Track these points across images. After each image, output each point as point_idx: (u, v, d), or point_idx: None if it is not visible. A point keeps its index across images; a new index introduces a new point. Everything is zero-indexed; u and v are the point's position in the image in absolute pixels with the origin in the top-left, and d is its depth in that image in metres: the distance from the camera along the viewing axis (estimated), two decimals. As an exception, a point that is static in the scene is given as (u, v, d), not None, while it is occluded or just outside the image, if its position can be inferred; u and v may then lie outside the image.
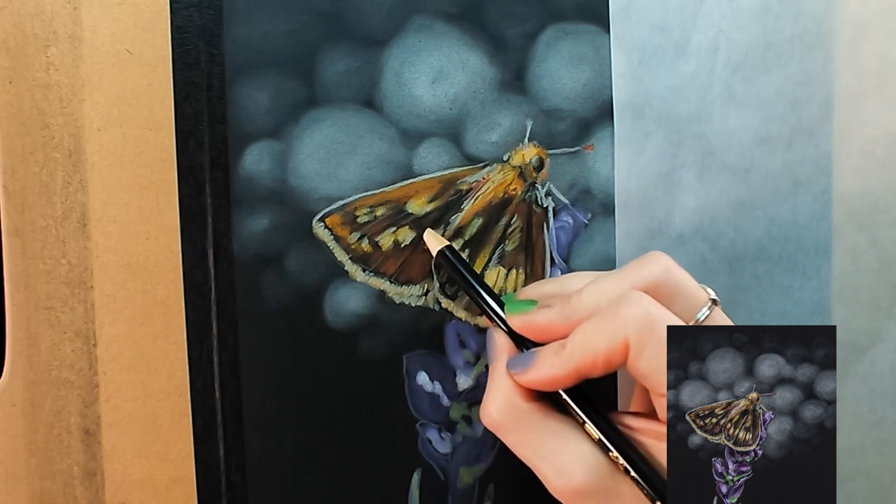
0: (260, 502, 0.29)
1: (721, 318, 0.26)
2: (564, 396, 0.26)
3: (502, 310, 0.28)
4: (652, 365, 0.24)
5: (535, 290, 0.28)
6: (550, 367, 0.25)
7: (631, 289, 0.25)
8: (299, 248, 0.29)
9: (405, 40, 0.29)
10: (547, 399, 0.26)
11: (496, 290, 0.31)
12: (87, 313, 0.27)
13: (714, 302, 0.26)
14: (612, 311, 0.24)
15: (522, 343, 0.27)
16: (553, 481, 0.25)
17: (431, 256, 0.30)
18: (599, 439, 0.25)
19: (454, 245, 0.30)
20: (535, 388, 0.26)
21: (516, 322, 0.27)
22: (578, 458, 0.25)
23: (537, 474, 0.26)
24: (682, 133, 0.32)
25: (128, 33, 0.27)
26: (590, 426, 0.25)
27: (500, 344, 0.27)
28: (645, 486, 0.24)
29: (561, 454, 0.25)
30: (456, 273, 0.29)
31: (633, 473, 0.24)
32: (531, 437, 0.26)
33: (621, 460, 0.25)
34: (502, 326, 0.27)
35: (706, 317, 0.26)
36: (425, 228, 0.30)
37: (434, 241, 0.29)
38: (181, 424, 0.28)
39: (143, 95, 0.27)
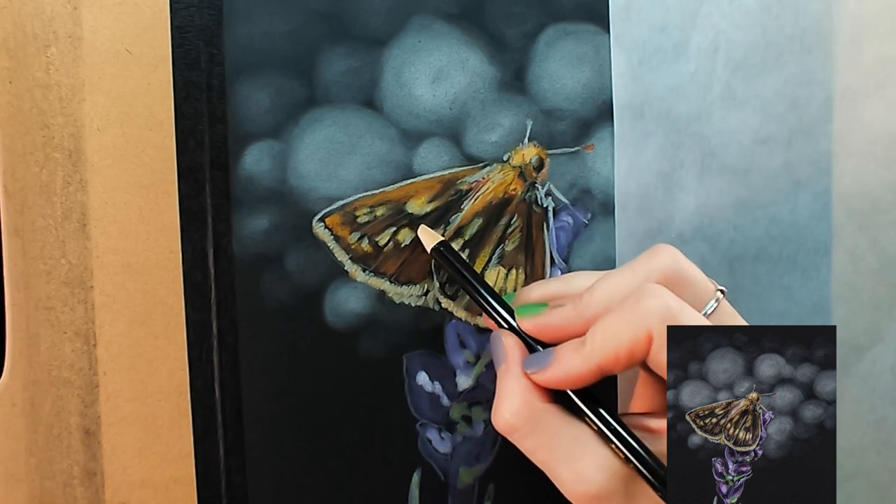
0: (260, 502, 0.29)
1: (728, 309, 0.26)
2: (575, 399, 0.25)
3: (503, 307, 0.27)
4: None
5: (538, 289, 0.28)
6: (571, 364, 0.25)
7: (644, 282, 0.25)
8: (299, 248, 0.29)
9: (405, 40, 0.29)
10: (561, 402, 0.26)
11: (496, 291, 0.31)
12: (87, 313, 0.27)
13: (722, 293, 0.26)
14: (632, 305, 0.24)
15: (533, 344, 0.26)
16: (571, 486, 0.24)
17: (431, 256, 0.30)
18: (615, 444, 0.24)
19: (454, 245, 0.30)
20: (554, 386, 0.25)
21: (528, 324, 0.26)
22: (597, 463, 0.24)
23: (553, 479, 0.25)
24: (682, 133, 0.32)
25: (128, 33, 0.27)
26: (604, 430, 0.25)
27: (508, 345, 0.26)
28: (660, 488, 0.24)
29: (580, 459, 0.24)
30: (454, 271, 0.28)
31: (647, 474, 0.24)
32: (549, 441, 0.25)
33: (633, 460, 0.24)
34: (506, 326, 0.27)
35: (714, 309, 0.25)
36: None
37: (428, 238, 0.29)
38: (181, 424, 0.28)
39: (143, 95, 0.27)
